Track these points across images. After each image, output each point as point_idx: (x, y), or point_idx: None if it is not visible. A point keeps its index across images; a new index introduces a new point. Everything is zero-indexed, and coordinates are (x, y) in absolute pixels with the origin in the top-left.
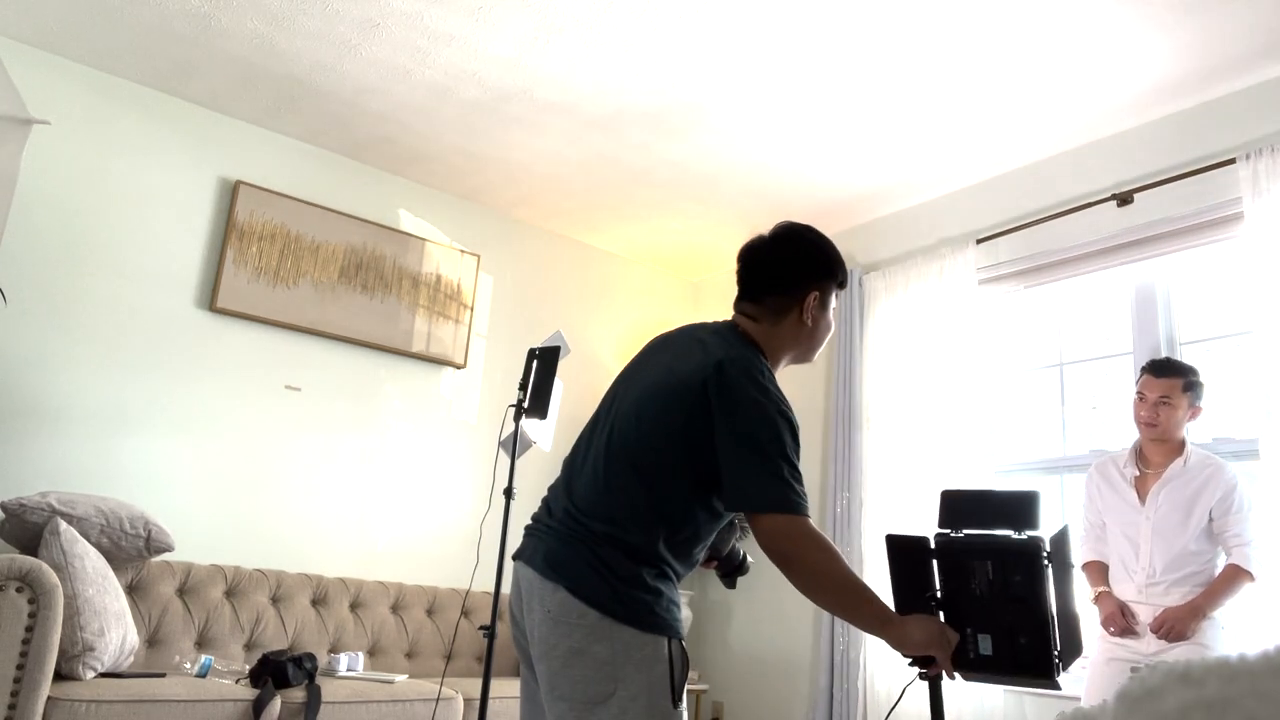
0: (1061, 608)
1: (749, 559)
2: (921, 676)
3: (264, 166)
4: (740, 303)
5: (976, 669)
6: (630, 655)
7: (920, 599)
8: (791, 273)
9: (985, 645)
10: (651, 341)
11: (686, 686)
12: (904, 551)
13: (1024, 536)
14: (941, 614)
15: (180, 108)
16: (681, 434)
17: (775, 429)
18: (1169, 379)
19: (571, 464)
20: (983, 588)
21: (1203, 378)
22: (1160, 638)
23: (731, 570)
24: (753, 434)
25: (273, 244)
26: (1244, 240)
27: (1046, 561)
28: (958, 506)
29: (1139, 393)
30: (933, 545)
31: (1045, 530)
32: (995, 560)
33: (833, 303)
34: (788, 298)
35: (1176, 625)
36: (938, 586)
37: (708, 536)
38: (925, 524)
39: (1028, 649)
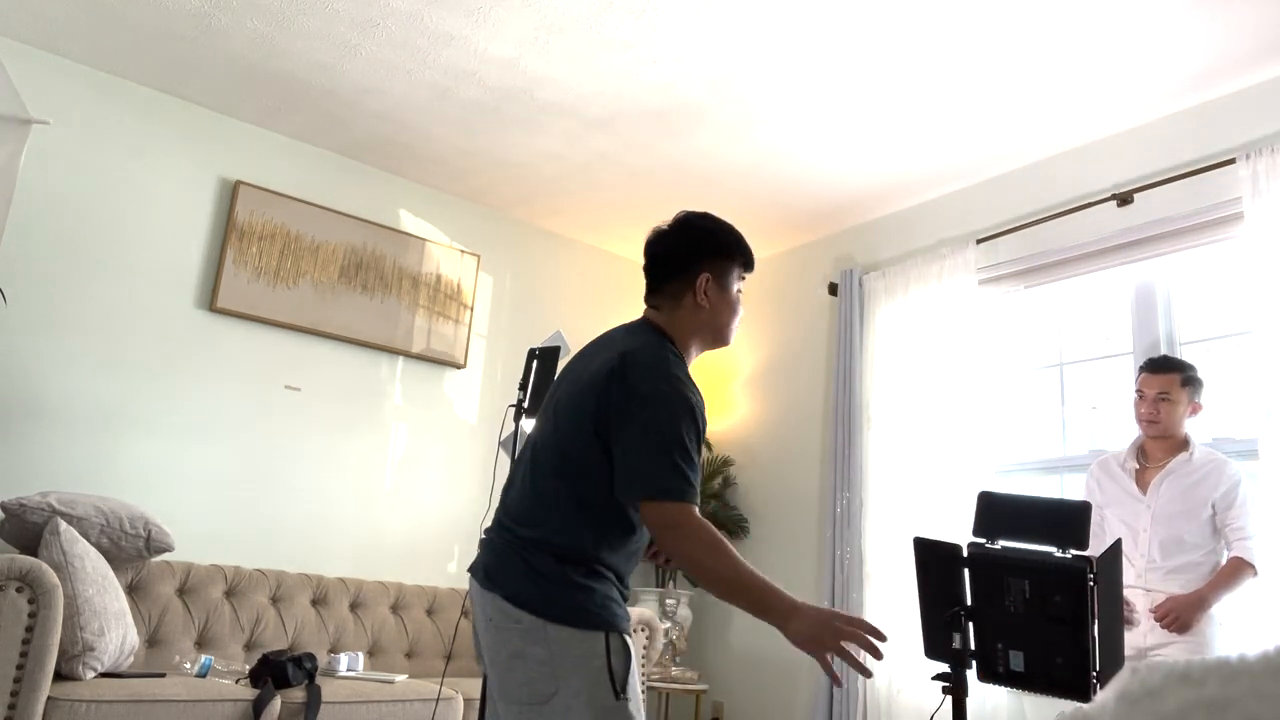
0: (1105, 628)
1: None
2: (945, 691)
3: (264, 166)
4: (648, 296)
5: (1005, 682)
6: (567, 654)
7: (946, 609)
8: (683, 257)
9: (1017, 661)
10: (580, 350)
11: (634, 679)
12: (933, 557)
13: (1068, 556)
14: (970, 626)
15: (180, 108)
16: (594, 429)
17: (672, 416)
18: (1167, 375)
19: (509, 479)
20: (1018, 605)
21: (1201, 374)
22: (1164, 627)
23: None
24: (648, 421)
25: (273, 244)
26: (1244, 240)
27: (1092, 583)
28: (996, 512)
29: (1138, 390)
30: (965, 554)
31: (1093, 547)
32: (1034, 579)
33: (735, 284)
34: (681, 282)
35: (1182, 615)
36: (968, 597)
37: (642, 530)
38: (925, 525)
39: (1064, 668)
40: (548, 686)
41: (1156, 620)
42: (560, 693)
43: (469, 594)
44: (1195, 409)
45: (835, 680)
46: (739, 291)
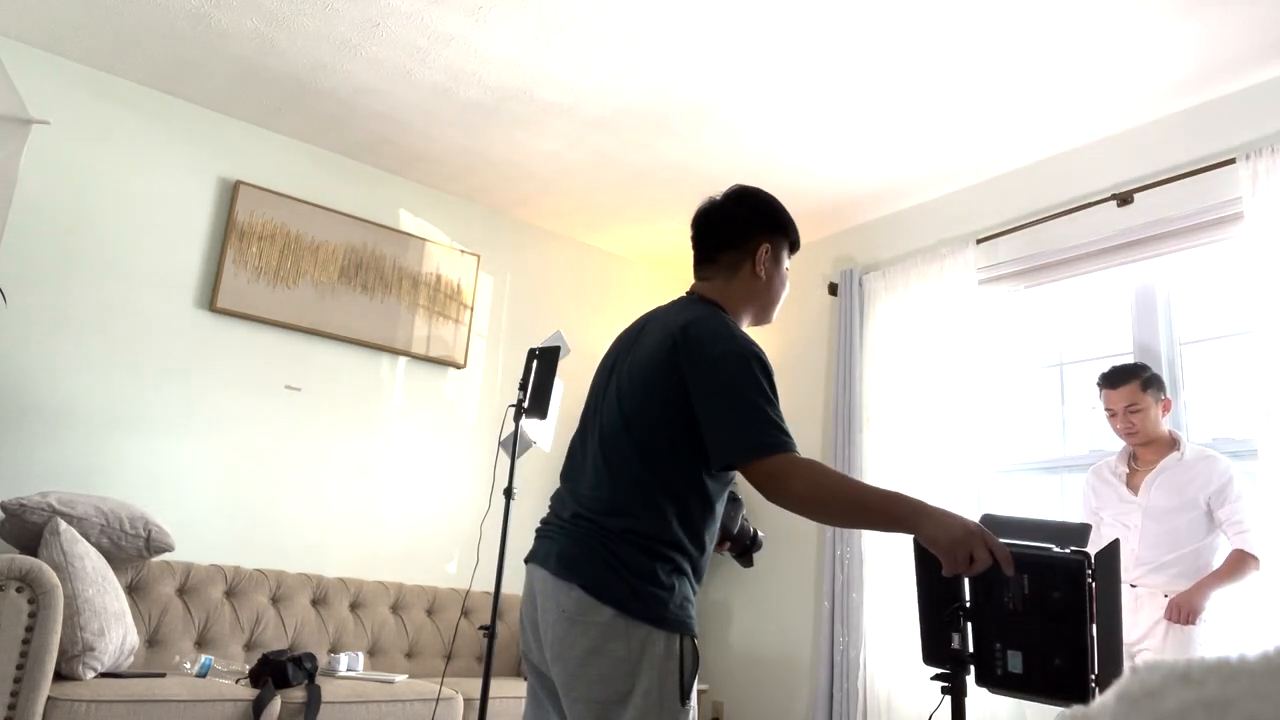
0: (1104, 628)
1: (760, 534)
2: (944, 691)
3: (264, 166)
4: (697, 268)
5: (1004, 686)
6: (646, 653)
7: (946, 608)
8: (741, 227)
9: (1015, 662)
10: (620, 336)
11: (695, 686)
12: (932, 555)
13: (1066, 551)
14: (969, 626)
15: (180, 108)
16: (664, 405)
17: (747, 373)
18: (1126, 386)
19: (571, 469)
20: (1017, 602)
21: (1154, 370)
22: (1174, 621)
23: (745, 548)
24: (726, 384)
25: (273, 244)
26: (1244, 240)
27: (1090, 579)
28: (997, 523)
29: (1107, 409)
30: None
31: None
32: (1032, 574)
33: (785, 261)
34: (739, 252)
35: (1184, 603)
36: (967, 596)
37: (719, 506)
38: None
39: (1062, 671)
40: (624, 685)
41: (1168, 619)
42: (635, 693)
43: (527, 585)
44: (1166, 405)
45: (1006, 568)
46: (788, 269)
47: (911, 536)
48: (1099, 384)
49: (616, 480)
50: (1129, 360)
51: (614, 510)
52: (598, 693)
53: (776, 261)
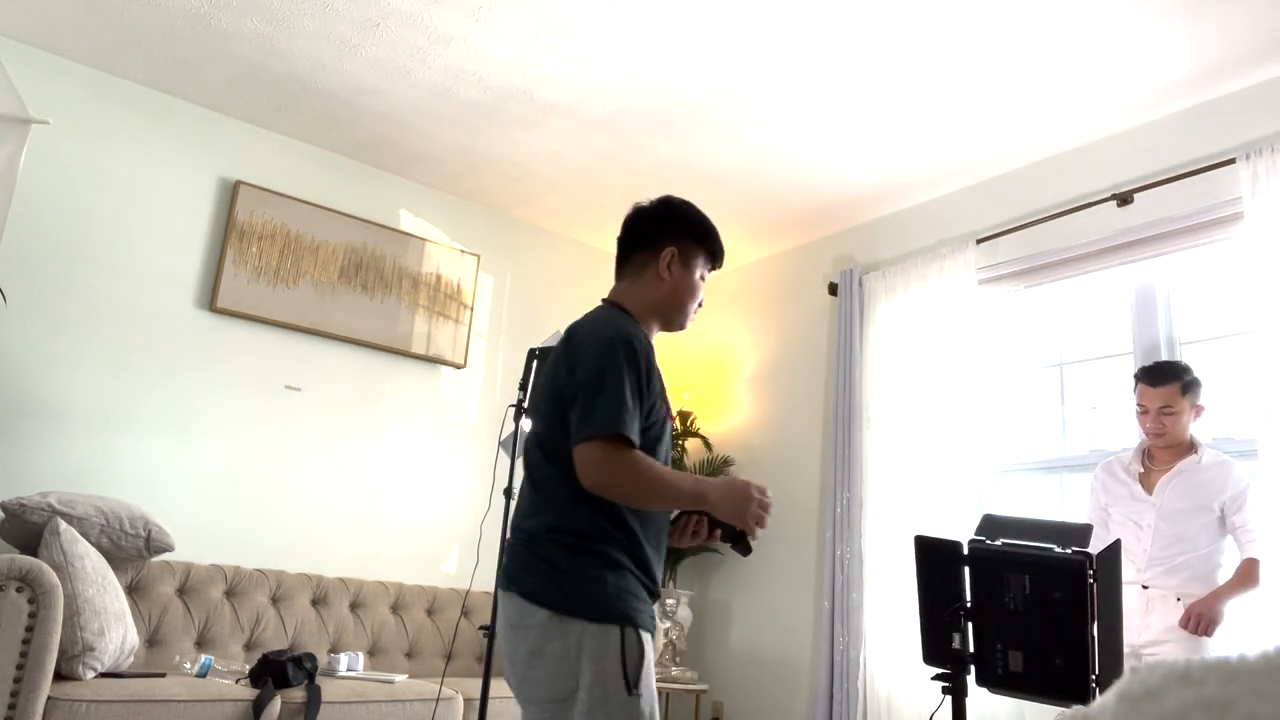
0: (1105, 628)
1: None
2: (945, 691)
3: (264, 166)
4: (616, 271)
5: (1004, 685)
6: (585, 649)
7: (947, 608)
8: (655, 228)
9: (1016, 662)
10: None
11: (649, 677)
12: (933, 555)
13: (1068, 551)
14: (970, 626)
15: (180, 108)
16: (560, 408)
17: (605, 358)
18: (1166, 386)
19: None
20: (1018, 602)
21: (1197, 373)
22: (1191, 631)
23: (736, 536)
24: (592, 372)
25: (273, 244)
26: (1244, 240)
27: (1091, 579)
28: (998, 523)
29: (1140, 405)
30: (965, 551)
31: (1095, 548)
32: (1034, 574)
33: (699, 270)
34: (647, 252)
35: (1205, 613)
36: (968, 596)
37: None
38: (925, 525)
39: (1063, 671)
40: (568, 683)
41: (1182, 626)
42: (579, 689)
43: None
44: (1198, 412)
45: (749, 536)
46: (702, 279)
47: (912, 537)
48: (1138, 377)
49: (536, 489)
50: (1128, 358)
51: (536, 513)
52: (543, 693)
53: (686, 267)
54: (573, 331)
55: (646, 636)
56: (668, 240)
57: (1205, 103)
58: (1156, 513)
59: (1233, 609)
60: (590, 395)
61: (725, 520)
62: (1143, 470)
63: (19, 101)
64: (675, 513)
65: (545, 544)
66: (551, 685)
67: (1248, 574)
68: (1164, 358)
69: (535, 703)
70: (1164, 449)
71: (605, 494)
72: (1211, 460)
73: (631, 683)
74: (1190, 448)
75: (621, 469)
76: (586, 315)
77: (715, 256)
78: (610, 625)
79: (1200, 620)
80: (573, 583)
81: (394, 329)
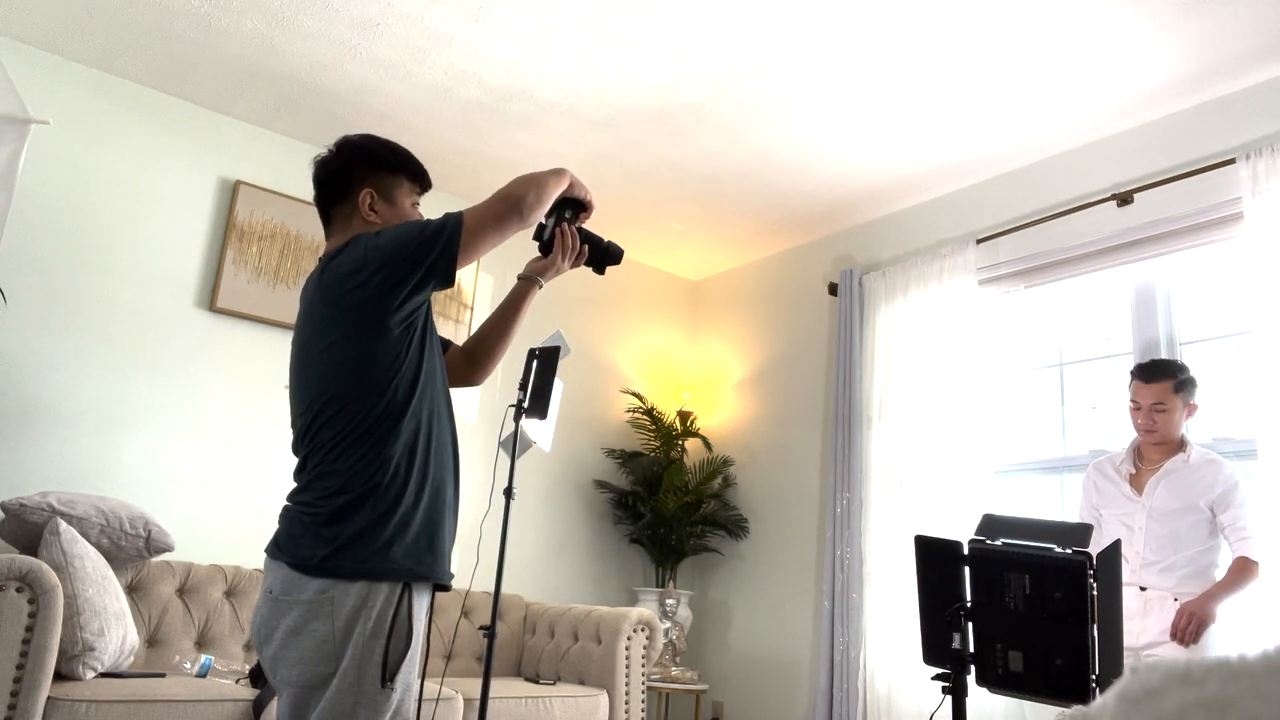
0: (1105, 628)
1: (616, 245)
2: (945, 691)
3: (264, 166)
4: (325, 232)
5: (1004, 685)
6: (354, 629)
7: (947, 608)
8: (342, 178)
9: (1016, 662)
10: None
11: (413, 656)
12: (933, 555)
13: (1068, 551)
14: (970, 625)
15: (180, 108)
16: (323, 350)
17: (401, 228)
18: (1159, 383)
19: None
20: (1018, 602)
21: (1193, 373)
22: (1181, 631)
23: (600, 255)
24: (388, 247)
25: (273, 244)
26: (1244, 240)
27: (1092, 579)
28: (998, 523)
29: (1133, 400)
30: (966, 551)
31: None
32: (1034, 574)
33: (407, 200)
34: (346, 204)
35: (1197, 613)
36: (968, 596)
37: (418, 419)
38: (925, 525)
39: (1063, 671)
40: (327, 667)
41: (1176, 628)
42: (335, 675)
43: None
44: (1191, 410)
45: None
46: (415, 206)
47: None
48: (1133, 373)
49: (301, 465)
50: (1128, 358)
51: (296, 472)
52: (297, 675)
53: (389, 201)
54: (322, 270)
55: (411, 596)
56: (360, 183)
57: (1205, 103)
58: (1146, 514)
59: (1226, 609)
60: (412, 239)
61: (566, 195)
62: (1134, 471)
63: (19, 101)
64: (547, 233)
65: (303, 512)
66: (307, 668)
67: (1240, 573)
68: (1152, 361)
69: (288, 684)
70: (1155, 447)
71: (493, 230)
72: (1200, 459)
73: (390, 673)
74: (1179, 446)
75: (474, 223)
76: (312, 275)
77: (419, 178)
78: (381, 582)
79: (1191, 620)
80: (342, 549)
81: None
